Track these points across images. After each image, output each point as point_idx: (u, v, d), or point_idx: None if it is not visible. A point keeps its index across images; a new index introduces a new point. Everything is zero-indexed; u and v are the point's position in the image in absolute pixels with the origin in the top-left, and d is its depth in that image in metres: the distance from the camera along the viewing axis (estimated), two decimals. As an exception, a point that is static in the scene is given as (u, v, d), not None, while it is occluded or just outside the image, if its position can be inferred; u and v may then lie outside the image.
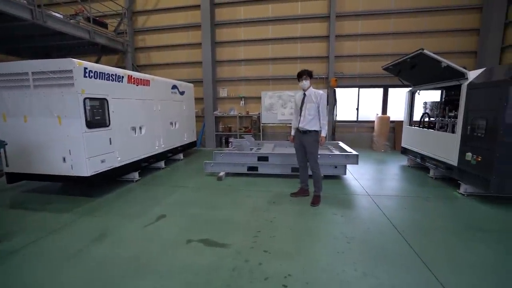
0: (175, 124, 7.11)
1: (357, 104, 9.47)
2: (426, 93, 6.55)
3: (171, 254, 2.83)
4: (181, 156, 7.67)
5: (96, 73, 4.37)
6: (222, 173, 5.61)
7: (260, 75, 9.68)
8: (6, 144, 3.51)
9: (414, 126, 6.55)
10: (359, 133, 9.43)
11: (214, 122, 9.69)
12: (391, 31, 8.66)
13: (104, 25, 9.17)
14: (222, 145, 9.89)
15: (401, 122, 7.14)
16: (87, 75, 4.18)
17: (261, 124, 9.27)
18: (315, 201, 4.11)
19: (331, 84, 8.90)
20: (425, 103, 6.31)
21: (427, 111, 6.18)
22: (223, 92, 10.00)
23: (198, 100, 9.46)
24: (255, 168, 5.73)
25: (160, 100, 6.33)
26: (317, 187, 4.21)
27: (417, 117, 6.64)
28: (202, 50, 9.43)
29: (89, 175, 4.23)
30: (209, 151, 9.13)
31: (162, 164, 6.56)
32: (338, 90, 9.19)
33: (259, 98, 9.24)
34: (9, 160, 4.30)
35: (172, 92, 6.97)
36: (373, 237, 3.14)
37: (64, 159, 4.25)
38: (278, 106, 8.80)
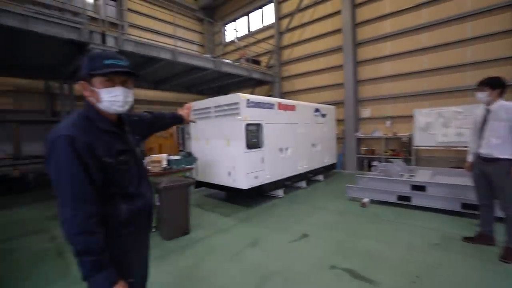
0: (317, 146, 7.32)
1: None
2: None
3: (316, 276, 2.83)
4: (321, 177, 7.73)
5: (255, 103, 5.26)
6: (366, 200, 5.16)
7: (411, 90, 8.42)
8: (197, 159, 4.81)
9: None
10: None
11: (356, 144, 9.22)
12: None
13: (258, 63, 11.05)
14: (363, 168, 9.18)
15: None
16: (248, 105, 5.11)
17: (413, 147, 7.91)
18: (509, 256, 2.97)
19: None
20: None
21: None
22: (365, 113, 9.42)
23: (338, 121, 9.37)
24: (408, 198, 4.90)
25: (304, 123, 6.76)
26: (511, 237, 3.04)
27: None
28: (344, 71, 9.38)
29: (246, 188, 5.04)
30: (349, 174, 8.72)
31: (303, 184, 6.85)
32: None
33: (410, 117, 8.00)
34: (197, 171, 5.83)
35: (314, 115, 7.29)
36: None
37: (229, 173, 5.29)
38: (437, 125, 7.24)
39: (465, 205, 4.32)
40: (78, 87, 1.30)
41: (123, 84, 1.28)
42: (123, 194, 1.29)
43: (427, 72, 8.12)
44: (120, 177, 1.28)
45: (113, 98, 1.24)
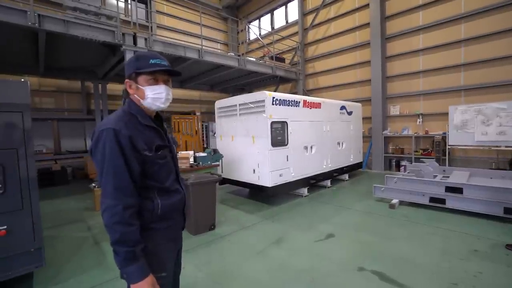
0: (342, 144, 7.14)
1: None
2: None
3: (343, 277, 2.77)
4: (346, 176, 7.53)
5: (280, 100, 5.23)
6: (395, 201, 4.95)
7: (446, 86, 7.91)
8: (223, 157, 4.89)
9: None
10: None
11: (383, 143, 8.85)
12: None
13: (282, 60, 10.94)
14: (391, 168, 8.81)
15: None
16: (274, 103, 5.09)
17: (448, 147, 7.44)
18: (560, 266, 2.71)
19: None
20: None
21: None
22: (394, 110, 9.00)
23: (365, 119, 9.05)
24: (441, 201, 4.63)
25: (329, 121, 6.60)
26: None
27: None
28: (371, 67, 9.02)
29: (270, 185, 5.03)
30: (376, 174, 8.42)
31: (328, 183, 6.71)
32: None
33: (444, 114, 7.52)
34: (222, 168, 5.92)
35: (340, 113, 7.10)
36: None
37: (254, 170, 5.31)
38: (476, 123, 6.73)
39: (508, 210, 4.00)
40: (124, 86, 1.38)
41: (166, 82, 1.35)
42: (160, 188, 1.34)
43: (464, 66, 7.58)
44: (158, 171, 1.33)
45: (156, 95, 1.31)
